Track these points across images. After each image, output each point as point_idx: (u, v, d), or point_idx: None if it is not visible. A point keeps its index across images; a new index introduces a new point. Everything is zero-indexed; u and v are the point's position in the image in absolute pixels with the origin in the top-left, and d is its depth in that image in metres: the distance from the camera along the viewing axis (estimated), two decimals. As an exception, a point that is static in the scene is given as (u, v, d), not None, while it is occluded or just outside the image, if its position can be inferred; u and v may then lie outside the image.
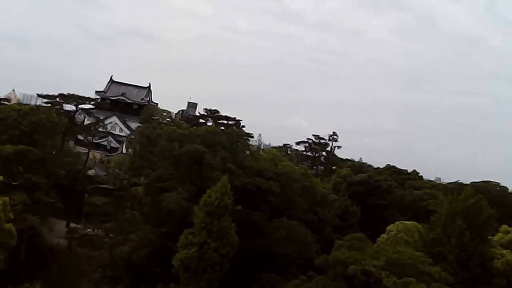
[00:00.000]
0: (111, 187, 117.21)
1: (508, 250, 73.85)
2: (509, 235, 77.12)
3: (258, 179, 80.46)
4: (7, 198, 74.44)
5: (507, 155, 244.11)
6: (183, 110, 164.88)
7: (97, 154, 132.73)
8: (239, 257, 76.02)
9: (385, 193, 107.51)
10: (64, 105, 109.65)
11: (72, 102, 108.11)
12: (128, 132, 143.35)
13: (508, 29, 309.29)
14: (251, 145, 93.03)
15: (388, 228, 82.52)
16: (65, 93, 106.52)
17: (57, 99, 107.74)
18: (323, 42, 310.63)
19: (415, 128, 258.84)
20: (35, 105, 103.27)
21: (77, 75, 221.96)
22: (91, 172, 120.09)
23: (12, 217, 74.85)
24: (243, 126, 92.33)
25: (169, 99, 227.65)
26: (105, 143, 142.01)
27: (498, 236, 77.45)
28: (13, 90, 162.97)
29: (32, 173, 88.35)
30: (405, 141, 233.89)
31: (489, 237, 75.21)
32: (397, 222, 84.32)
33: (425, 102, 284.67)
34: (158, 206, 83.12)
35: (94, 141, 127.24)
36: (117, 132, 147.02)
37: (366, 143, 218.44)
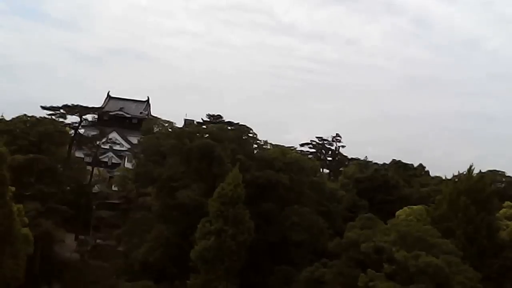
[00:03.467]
0: (117, 202, 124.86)
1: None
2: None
3: (268, 172, 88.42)
4: (21, 205, 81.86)
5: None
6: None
7: (100, 171, 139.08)
8: (255, 250, 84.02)
9: (392, 189, 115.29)
10: (68, 116, 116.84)
11: (76, 113, 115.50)
12: (129, 147, 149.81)
13: (507, 26, 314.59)
14: (258, 140, 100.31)
15: (397, 213, 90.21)
16: (69, 104, 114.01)
17: (61, 110, 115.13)
18: (319, 52, 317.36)
19: (419, 135, 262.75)
20: (40, 117, 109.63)
21: (68, 99, 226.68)
22: (95, 189, 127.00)
23: (27, 221, 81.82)
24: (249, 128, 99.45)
25: (166, 117, 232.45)
26: (106, 159, 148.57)
27: (502, 211, 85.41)
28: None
29: (43, 184, 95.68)
30: (409, 149, 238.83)
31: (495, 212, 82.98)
32: (405, 208, 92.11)
33: (426, 108, 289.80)
34: (170, 206, 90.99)
35: (96, 160, 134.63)
36: (117, 148, 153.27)
37: (369, 152, 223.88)
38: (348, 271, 74.61)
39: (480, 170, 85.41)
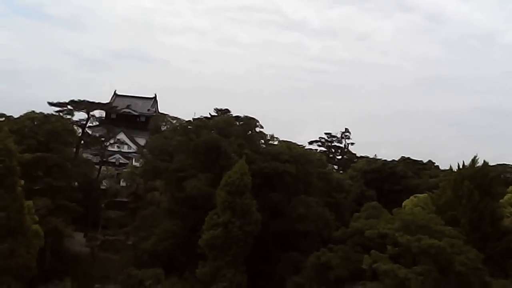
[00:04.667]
0: (126, 200, 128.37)
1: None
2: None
3: (274, 163, 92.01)
4: (31, 202, 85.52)
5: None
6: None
7: (108, 168, 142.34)
8: (262, 239, 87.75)
9: (400, 179, 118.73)
10: (75, 114, 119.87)
11: (83, 109, 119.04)
12: (136, 148, 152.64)
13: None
14: (264, 134, 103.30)
15: (404, 203, 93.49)
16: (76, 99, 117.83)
17: (68, 106, 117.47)
18: (329, 49, 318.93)
19: (432, 134, 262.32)
20: (47, 114, 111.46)
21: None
22: (104, 184, 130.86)
23: (37, 219, 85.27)
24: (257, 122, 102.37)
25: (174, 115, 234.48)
26: (113, 160, 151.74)
27: (506, 197, 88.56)
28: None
29: (52, 178, 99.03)
30: (422, 149, 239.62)
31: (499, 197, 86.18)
32: (411, 197, 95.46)
33: (441, 106, 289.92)
34: (179, 200, 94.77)
35: (103, 158, 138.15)
36: (125, 150, 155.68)
37: (380, 153, 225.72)
38: (354, 255, 78.67)
39: (484, 161, 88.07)
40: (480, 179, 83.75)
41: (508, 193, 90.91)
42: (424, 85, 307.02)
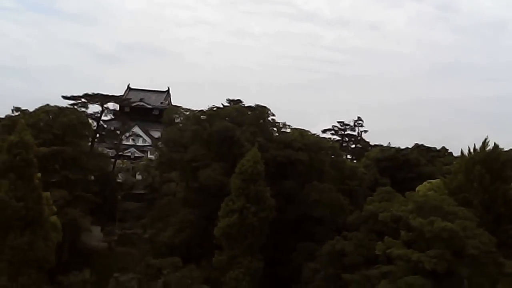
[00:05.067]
0: (142, 192, 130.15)
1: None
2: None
3: (287, 150, 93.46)
4: (48, 193, 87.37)
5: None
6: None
7: (123, 161, 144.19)
8: (277, 227, 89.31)
9: (414, 167, 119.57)
10: (89, 107, 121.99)
11: (97, 102, 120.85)
12: (151, 141, 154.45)
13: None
14: (277, 122, 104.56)
15: (417, 188, 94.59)
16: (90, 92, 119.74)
17: (82, 99, 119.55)
18: (342, 39, 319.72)
19: (446, 124, 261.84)
20: (62, 107, 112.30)
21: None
22: (119, 177, 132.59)
23: (55, 209, 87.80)
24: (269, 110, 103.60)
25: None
26: (128, 154, 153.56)
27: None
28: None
29: (68, 170, 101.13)
30: (436, 137, 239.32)
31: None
32: (425, 182, 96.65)
33: (454, 94, 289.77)
34: (194, 188, 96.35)
35: (118, 152, 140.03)
36: (140, 143, 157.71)
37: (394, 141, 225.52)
38: (368, 242, 79.70)
39: (494, 143, 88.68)
40: (491, 163, 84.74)
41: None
42: (437, 73, 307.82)
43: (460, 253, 70.96)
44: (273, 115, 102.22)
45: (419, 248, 72.25)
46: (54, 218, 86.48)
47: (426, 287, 68.27)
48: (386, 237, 74.72)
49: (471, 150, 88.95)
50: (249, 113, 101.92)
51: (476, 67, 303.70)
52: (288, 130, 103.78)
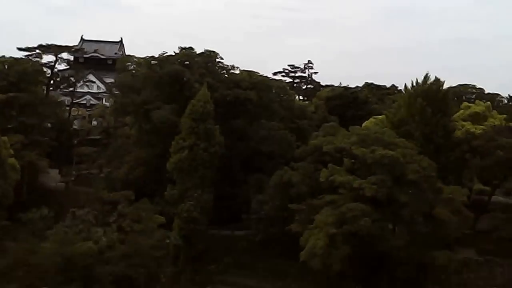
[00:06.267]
0: (98, 138, 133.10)
1: (468, 122, 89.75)
2: (469, 109, 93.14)
3: (236, 90, 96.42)
4: (6, 138, 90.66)
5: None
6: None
7: (79, 109, 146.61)
8: (228, 164, 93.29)
9: (363, 105, 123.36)
10: (44, 57, 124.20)
11: (51, 52, 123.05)
12: (105, 89, 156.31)
13: None
14: (225, 65, 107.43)
15: (363, 124, 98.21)
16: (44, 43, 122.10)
17: (37, 50, 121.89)
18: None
19: (405, 68, 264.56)
20: (17, 58, 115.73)
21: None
22: (76, 123, 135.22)
23: (12, 152, 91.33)
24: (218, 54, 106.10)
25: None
26: (84, 102, 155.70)
27: (459, 112, 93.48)
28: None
29: (24, 116, 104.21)
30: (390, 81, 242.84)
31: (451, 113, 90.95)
32: (370, 119, 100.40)
33: (412, 38, 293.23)
34: (147, 130, 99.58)
35: (74, 101, 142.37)
36: (95, 90, 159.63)
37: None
38: (314, 173, 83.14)
39: (435, 77, 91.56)
40: (432, 96, 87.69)
41: (461, 109, 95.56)
42: (396, 18, 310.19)
43: (400, 179, 74.07)
44: (222, 58, 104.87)
45: (361, 176, 75.29)
46: (12, 160, 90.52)
47: (367, 213, 71.27)
48: (330, 164, 77.74)
49: (414, 84, 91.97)
50: (197, 58, 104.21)
51: (433, 10, 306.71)
52: (237, 72, 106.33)
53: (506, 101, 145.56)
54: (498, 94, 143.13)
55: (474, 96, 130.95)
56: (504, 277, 77.23)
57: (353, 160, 78.06)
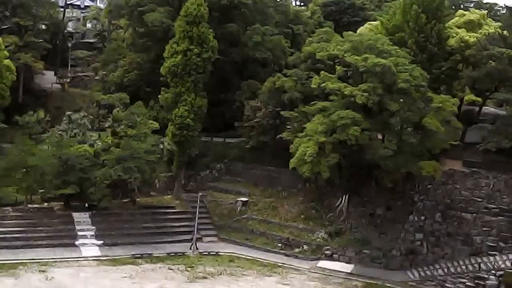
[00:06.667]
0: (92, 41, 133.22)
1: (463, 29, 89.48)
2: (465, 17, 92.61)
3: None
4: (0, 39, 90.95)
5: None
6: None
7: (73, 11, 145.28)
8: (222, 69, 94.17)
9: (359, 11, 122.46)
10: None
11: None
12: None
13: None
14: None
15: (358, 30, 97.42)
16: None
17: None
18: None
19: None
20: None
21: None
22: (70, 25, 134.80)
23: (7, 54, 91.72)
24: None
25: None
26: (78, 3, 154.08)
27: (454, 19, 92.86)
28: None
29: (18, 18, 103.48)
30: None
31: (445, 21, 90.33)
32: (366, 24, 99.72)
33: None
34: (140, 33, 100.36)
35: (67, 1, 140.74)
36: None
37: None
38: (306, 79, 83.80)
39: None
40: (427, 3, 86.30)
41: (456, 16, 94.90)
42: None
43: (391, 88, 74.43)
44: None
45: (354, 84, 75.75)
46: (7, 61, 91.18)
47: (358, 121, 72.01)
48: (322, 72, 78.02)
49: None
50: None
51: None
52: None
53: (503, 11, 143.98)
54: (496, 4, 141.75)
55: (472, 5, 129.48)
56: (489, 188, 77.96)
57: (345, 69, 78.35)
